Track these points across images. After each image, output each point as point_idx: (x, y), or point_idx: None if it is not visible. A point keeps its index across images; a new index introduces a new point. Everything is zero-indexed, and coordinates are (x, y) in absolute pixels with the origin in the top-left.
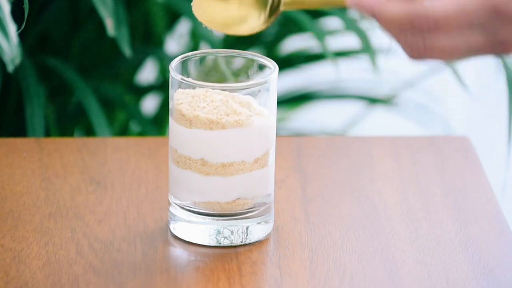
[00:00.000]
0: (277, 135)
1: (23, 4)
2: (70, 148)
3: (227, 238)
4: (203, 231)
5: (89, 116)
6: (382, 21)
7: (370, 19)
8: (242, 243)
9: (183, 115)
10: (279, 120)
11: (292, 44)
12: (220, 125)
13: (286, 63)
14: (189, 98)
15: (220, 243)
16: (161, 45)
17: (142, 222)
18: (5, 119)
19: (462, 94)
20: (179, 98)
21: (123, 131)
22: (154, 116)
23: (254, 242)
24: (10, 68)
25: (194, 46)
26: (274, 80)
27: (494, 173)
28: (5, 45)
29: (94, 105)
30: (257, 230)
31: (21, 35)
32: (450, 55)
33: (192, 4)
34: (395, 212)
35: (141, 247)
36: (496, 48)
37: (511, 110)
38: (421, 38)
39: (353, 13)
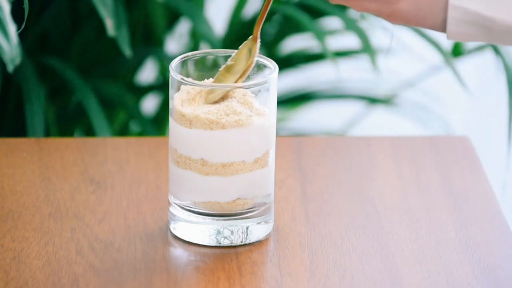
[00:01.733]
0: (277, 135)
1: (23, 4)
2: (70, 148)
3: (227, 238)
4: (203, 231)
5: (89, 116)
6: None
7: None
8: (242, 243)
9: (183, 115)
10: (279, 120)
11: (292, 44)
12: (220, 125)
13: (286, 63)
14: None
15: (220, 243)
16: (161, 45)
17: (142, 222)
18: (5, 119)
19: (462, 94)
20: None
21: (123, 131)
22: (154, 116)
23: (254, 242)
24: (10, 68)
25: (194, 46)
26: (274, 80)
27: (494, 173)
28: (5, 45)
29: (94, 105)
30: (257, 230)
31: (21, 35)
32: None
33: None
34: (395, 212)
35: (141, 247)
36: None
37: (511, 110)
38: None
39: (353, 13)
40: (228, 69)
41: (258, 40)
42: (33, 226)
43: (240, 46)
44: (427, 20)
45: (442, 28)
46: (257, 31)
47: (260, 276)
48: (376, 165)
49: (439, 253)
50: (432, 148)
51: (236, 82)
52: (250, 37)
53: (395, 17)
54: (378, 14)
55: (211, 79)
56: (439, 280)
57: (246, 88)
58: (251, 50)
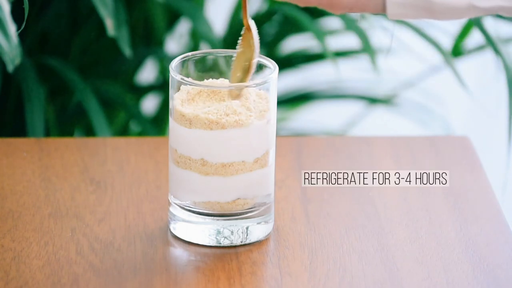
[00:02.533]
0: (277, 135)
1: (23, 4)
2: (70, 148)
3: (227, 238)
4: (203, 231)
5: (89, 116)
6: None
7: None
8: (242, 243)
9: (183, 115)
10: (279, 120)
11: (292, 44)
12: (220, 125)
13: (286, 63)
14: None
15: (220, 243)
16: (161, 45)
17: (142, 222)
18: (5, 119)
19: (462, 94)
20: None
21: (123, 131)
22: (154, 116)
23: (254, 242)
24: (10, 68)
25: (194, 46)
26: (274, 80)
27: (494, 173)
28: (5, 45)
29: (94, 105)
30: (257, 230)
31: (21, 35)
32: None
33: None
34: (395, 212)
35: (141, 247)
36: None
37: (511, 110)
38: None
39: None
40: (238, 59)
41: (254, 28)
42: (33, 226)
43: (240, 38)
44: (369, 4)
45: (384, 11)
46: (246, 21)
47: (260, 276)
48: (376, 165)
49: (439, 253)
50: (432, 148)
51: (246, 75)
52: (244, 28)
53: (336, 7)
54: (319, 5)
55: (211, 80)
56: (439, 280)
57: (246, 88)
58: (249, 41)
